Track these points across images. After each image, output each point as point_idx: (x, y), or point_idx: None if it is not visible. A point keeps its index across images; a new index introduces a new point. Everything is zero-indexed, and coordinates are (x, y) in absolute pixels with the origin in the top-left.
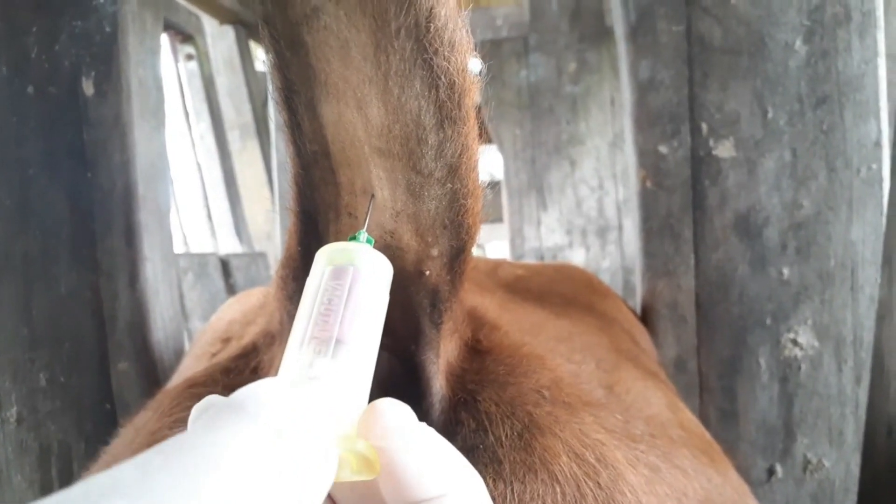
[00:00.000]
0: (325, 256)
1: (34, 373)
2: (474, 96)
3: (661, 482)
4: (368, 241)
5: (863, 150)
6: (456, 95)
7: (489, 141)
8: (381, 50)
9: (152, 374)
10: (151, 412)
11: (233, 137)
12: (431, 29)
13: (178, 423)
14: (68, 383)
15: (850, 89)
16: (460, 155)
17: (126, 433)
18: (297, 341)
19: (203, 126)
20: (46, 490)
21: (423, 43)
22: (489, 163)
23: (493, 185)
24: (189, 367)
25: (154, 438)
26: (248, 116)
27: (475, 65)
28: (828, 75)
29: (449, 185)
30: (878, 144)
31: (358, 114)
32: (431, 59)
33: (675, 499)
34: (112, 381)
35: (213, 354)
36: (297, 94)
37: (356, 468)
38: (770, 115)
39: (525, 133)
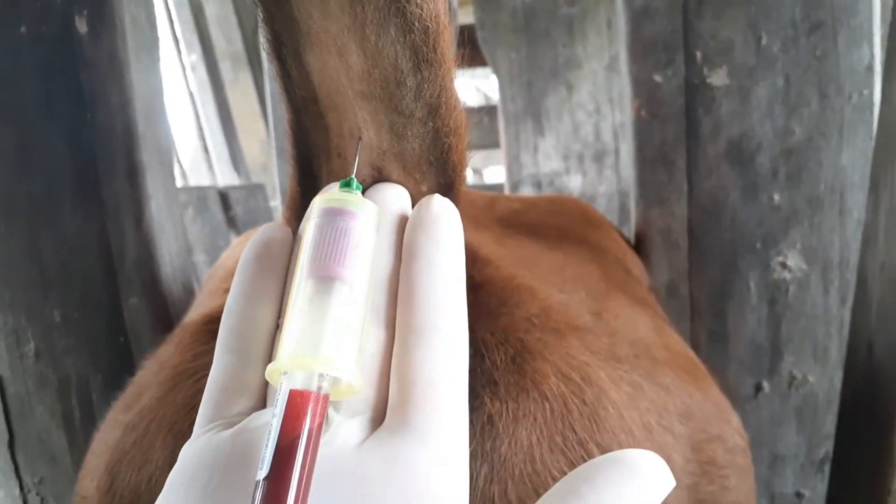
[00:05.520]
0: (319, 202)
1: (48, 310)
2: (449, 39)
3: (643, 398)
4: (358, 188)
5: (855, 76)
6: (430, 39)
7: (484, 63)
8: (356, 1)
9: (162, 308)
10: (173, 347)
11: (224, 68)
12: None
13: (197, 356)
14: (82, 319)
15: (844, 14)
16: (439, 95)
17: (150, 366)
18: (300, 279)
19: (195, 57)
20: (68, 419)
21: None
22: (487, 87)
23: (489, 111)
24: (203, 303)
25: (177, 371)
26: (238, 45)
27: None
28: (822, 0)
29: (430, 123)
30: (870, 69)
31: (340, 61)
32: (404, 7)
33: (656, 413)
34: (124, 316)
35: (226, 290)
36: (285, 45)
37: (343, 392)
38: (764, 41)
39: (521, 57)
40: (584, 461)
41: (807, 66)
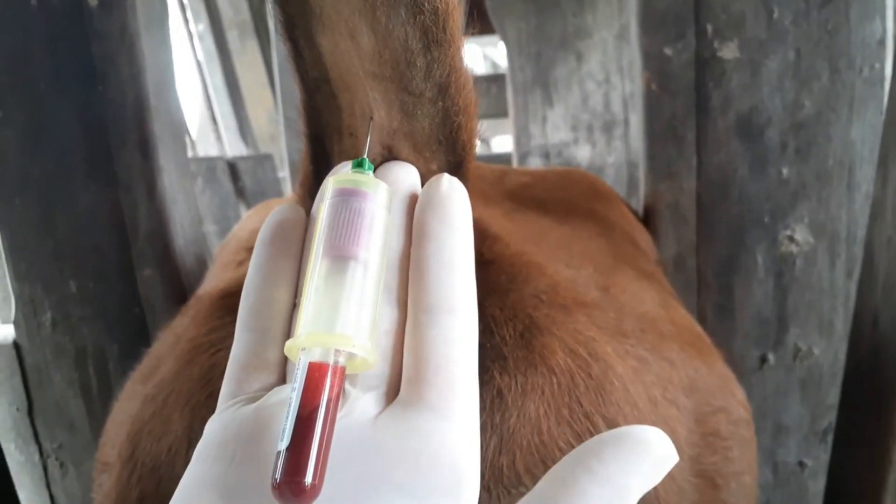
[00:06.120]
0: (332, 183)
1: (63, 280)
2: (458, 19)
3: (648, 372)
4: (370, 168)
5: (866, 50)
6: (440, 20)
7: (493, 31)
8: None
9: (176, 278)
10: (189, 320)
11: (231, 37)
12: None
13: (213, 330)
14: (97, 290)
15: None
16: (448, 75)
17: (167, 338)
18: (316, 259)
19: (202, 26)
20: (85, 387)
21: None
22: (495, 55)
23: (497, 80)
24: (216, 276)
25: (193, 345)
26: (245, 14)
27: None
28: None
29: (440, 103)
30: (881, 43)
31: (351, 42)
32: None
33: (661, 386)
34: (138, 286)
35: (239, 263)
36: (297, 26)
37: (358, 366)
38: (775, 15)
39: (530, 26)
40: (590, 433)
41: (818, 39)
